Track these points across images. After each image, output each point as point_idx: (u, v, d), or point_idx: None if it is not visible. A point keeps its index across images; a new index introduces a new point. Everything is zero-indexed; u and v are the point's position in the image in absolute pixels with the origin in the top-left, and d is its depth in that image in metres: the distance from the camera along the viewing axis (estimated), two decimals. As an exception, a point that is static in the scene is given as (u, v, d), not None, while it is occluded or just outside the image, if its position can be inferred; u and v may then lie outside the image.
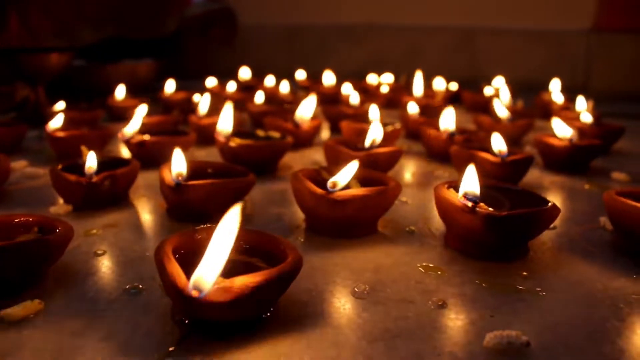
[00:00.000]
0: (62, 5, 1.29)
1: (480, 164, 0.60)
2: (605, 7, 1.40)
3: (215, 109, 0.87)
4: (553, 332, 0.35)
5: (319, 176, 0.52)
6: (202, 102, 0.84)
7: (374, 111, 0.79)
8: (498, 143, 0.62)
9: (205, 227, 0.39)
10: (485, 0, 1.54)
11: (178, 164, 0.51)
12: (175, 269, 0.31)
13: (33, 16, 1.23)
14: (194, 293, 0.30)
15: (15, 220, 0.44)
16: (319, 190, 0.46)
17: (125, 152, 0.82)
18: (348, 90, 1.14)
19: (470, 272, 0.43)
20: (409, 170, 0.72)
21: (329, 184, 0.46)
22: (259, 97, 0.99)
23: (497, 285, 0.41)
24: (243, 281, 0.31)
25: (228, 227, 0.32)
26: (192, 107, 0.99)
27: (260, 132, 0.71)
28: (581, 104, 0.97)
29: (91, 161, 0.54)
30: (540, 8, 1.49)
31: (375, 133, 0.63)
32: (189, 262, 0.33)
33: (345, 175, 0.47)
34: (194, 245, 0.38)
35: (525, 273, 0.43)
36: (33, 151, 0.80)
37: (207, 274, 0.30)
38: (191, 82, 1.35)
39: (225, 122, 0.66)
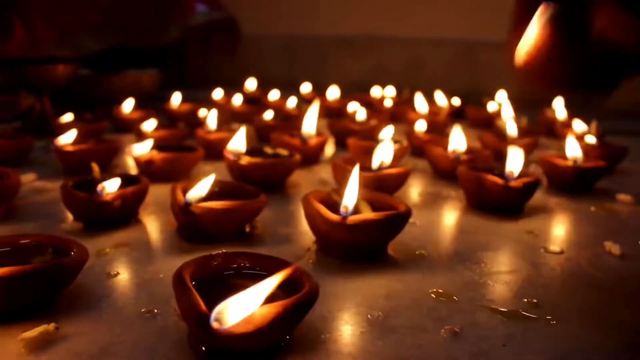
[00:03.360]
0: (65, 14, 1.30)
1: (487, 186, 0.61)
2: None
3: (220, 123, 0.88)
4: (566, 364, 0.35)
5: (330, 199, 0.52)
6: (210, 117, 0.84)
7: (385, 132, 0.79)
8: (513, 164, 0.62)
9: (220, 253, 0.39)
10: (487, 13, 1.54)
11: (200, 189, 0.51)
12: (195, 298, 0.32)
13: (37, 25, 1.24)
14: (215, 325, 0.30)
15: (28, 241, 0.44)
16: (331, 215, 0.46)
17: (129, 162, 0.82)
18: (354, 106, 1.14)
19: (481, 298, 0.43)
20: (415, 190, 0.72)
21: (342, 208, 0.46)
22: (268, 114, 0.99)
23: (508, 313, 0.41)
24: (263, 312, 0.31)
25: (272, 282, 0.32)
26: (197, 120, 0.99)
27: (268, 150, 0.71)
28: (579, 126, 0.97)
29: (111, 185, 0.54)
30: (543, 23, 1.50)
31: (384, 154, 0.63)
32: (205, 288, 0.34)
33: (351, 195, 0.47)
34: (210, 271, 0.38)
35: (535, 300, 0.43)
36: (39, 163, 0.80)
37: (233, 312, 0.30)
38: (192, 92, 1.35)
39: (238, 142, 0.66)
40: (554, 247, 0.54)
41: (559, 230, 0.61)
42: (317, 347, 0.36)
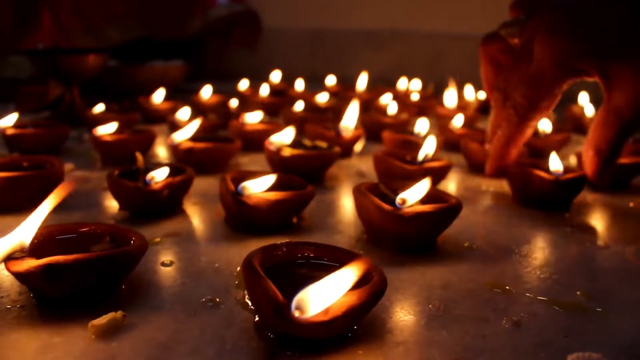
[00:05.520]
0: (91, 6, 1.31)
1: (535, 181, 0.61)
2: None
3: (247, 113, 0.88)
4: (630, 355, 0.35)
5: (378, 190, 0.52)
6: (252, 114, 0.84)
7: (420, 125, 0.79)
8: (555, 162, 0.62)
9: (285, 242, 0.40)
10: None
11: (259, 184, 0.51)
12: (271, 287, 0.32)
13: (64, 16, 1.24)
14: (297, 313, 0.30)
15: (85, 229, 0.44)
16: (386, 206, 0.46)
17: (162, 153, 0.83)
18: (387, 99, 1.14)
19: (536, 290, 0.43)
20: (453, 184, 0.72)
21: (398, 200, 0.46)
22: (298, 105, 0.99)
23: (564, 305, 0.41)
24: (340, 301, 0.32)
25: (351, 272, 0.32)
26: (228, 111, 0.99)
27: (307, 142, 0.72)
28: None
29: (160, 174, 0.54)
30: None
31: (429, 148, 0.63)
32: (272, 277, 0.34)
33: (416, 193, 0.47)
34: (275, 261, 0.39)
35: (586, 292, 0.43)
36: (75, 153, 0.81)
37: (314, 301, 0.31)
38: (214, 84, 1.35)
39: (285, 135, 0.66)
40: (599, 241, 0.54)
41: (601, 225, 0.61)
42: (383, 336, 0.36)
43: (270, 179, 0.51)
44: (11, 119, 0.77)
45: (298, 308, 0.30)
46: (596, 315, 0.40)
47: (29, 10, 1.19)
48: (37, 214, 0.40)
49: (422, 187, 0.48)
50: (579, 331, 0.38)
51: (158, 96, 1.05)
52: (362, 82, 1.31)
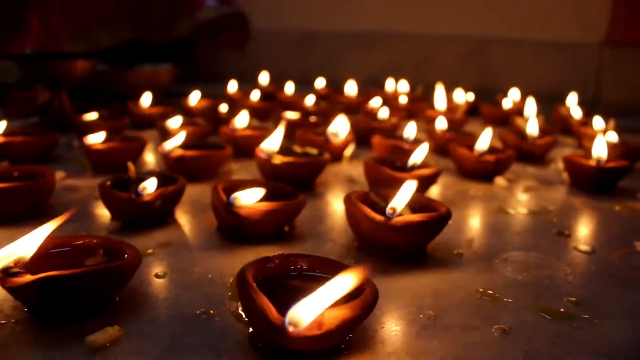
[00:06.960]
0: (80, 9, 1.30)
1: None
2: (619, 20, 1.42)
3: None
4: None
5: (369, 199, 0.53)
6: (239, 117, 0.84)
7: (409, 131, 0.80)
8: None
9: (278, 255, 0.40)
10: (498, 10, 1.55)
11: (250, 195, 0.51)
12: (265, 303, 0.32)
13: (52, 19, 1.24)
14: (291, 328, 0.31)
15: (78, 242, 0.44)
16: (377, 216, 0.47)
17: (152, 160, 0.83)
18: (376, 103, 1.14)
19: (524, 297, 0.44)
20: (442, 189, 0.73)
21: (388, 209, 0.47)
22: (291, 114, 0.99)
23: (552, 312, 0.42)
24: (332, 314, 0.32)
25: (343, 281, 0.33)
26: (218, 117, 1.00)
27: (297, 148, 0.72)
28: (599, 122, 0.98)
29: (150, 184, 0.55)
30: (553, 20, 1.50)
31: (420, 155, 0.64)
32: (265, 290, 0.34)
33: (402, 198, 0.48)
34: (268, 273, 0.39)
35: (573, 299, 0.44)
36: (65, 160, 0.81)
37: (306, 314, 0.31)
38: (203, 86, 1.35)
39: (274, 141, 0.67)
40: (585, 246, 0.55)
41: (588, 229, 0.62)
42: (375, 346, 0.37)
43: (260, 192, 0.51)
44: (0, 127, 0.77)
45: (292, 323, 0.31)
46: (584, 322, 0.41)
47: (16, 13, 1.18)
48: (40, 232, 0.40)
49: (407, 190, 0.49)
50: (567, 338, 0.39)
51: (145, 100, 1.04)
52: (351, 87, 1.31)
